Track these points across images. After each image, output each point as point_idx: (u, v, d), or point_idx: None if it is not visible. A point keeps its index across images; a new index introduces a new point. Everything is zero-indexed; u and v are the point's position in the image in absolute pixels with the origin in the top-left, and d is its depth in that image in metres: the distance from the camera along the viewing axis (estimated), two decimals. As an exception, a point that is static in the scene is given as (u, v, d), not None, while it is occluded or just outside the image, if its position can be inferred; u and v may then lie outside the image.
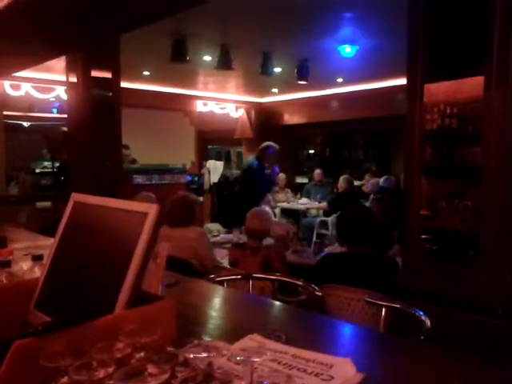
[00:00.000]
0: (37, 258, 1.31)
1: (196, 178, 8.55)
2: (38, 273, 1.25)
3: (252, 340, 1.09)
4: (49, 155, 7.71)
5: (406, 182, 3.06)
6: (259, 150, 5.85)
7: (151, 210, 0.95)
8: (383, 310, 1.69)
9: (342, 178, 6.97)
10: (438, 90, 2.84)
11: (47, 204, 6.19)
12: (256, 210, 3.39)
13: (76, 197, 1.15)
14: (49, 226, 4.48)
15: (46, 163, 7.74)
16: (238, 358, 0.79)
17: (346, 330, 1.36)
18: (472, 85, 2.68)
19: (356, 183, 7.56)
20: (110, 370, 0.73)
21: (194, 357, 0.79)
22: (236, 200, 6.13)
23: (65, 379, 0.73)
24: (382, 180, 6.61)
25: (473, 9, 2.60)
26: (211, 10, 4.17)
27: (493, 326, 2.44)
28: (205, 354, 0.80)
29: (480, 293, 2.54)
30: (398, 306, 1.70)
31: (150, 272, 1.06)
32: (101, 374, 0.72)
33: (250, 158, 6.17)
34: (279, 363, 0.97)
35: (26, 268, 1.37)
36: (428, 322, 1.54)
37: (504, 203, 2.54)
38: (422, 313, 1.59)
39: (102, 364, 0.73)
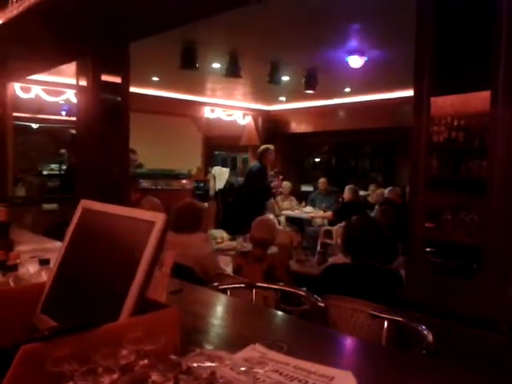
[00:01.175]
0: (44, 262, 1.33)
1: (201, 184, 8.58)
2: (44, 277, 1.26)
3: (254, 350, 1.09)
4: (66, 155, 7.72)
5: (412, 193, 3.06)
6: (259, 153, 6.05)
7: (159, 218, 0.97)
8: (386, 322, 1.70)
9: (347, 188, 6.96)
10: (444, 104, 2.85)
11: (53, 206, 6.23)
12: (261, 218, 3.41)
13: (85, 203, 1.17)
14: (54, 228, 4.52)
15: (53, 165, 7.78)
16: (242, 369, 0.80)
17: (348, 343, 1.37)
18: (479, 98, 2.68)
19: (361, 193, 7.55)
20: (115, 376, 0.74)
21: (198, 365, 0.80)
22: (240, 206, 6.19)
23: (70, 384, 0.75)
24: (386, 191, 6.60)
25: (480, 24, 2.61)
26: (221, 19, 4.20)
27: (497, 342, 2.43)
28: (208, 363, 0.81)
29: (484, 307, 2.53)
30: (400, 319, 1.70)
31: (155, 279, 1.07)
32: (106, 380, 0.73)
33: (252, 163, 6.35)
34: (281, 374, 0.98)
35: (32, 271, 1.39)
36: (430, 336, 1.53)
37: (509, 217, 2.53)
38: (424, 326, 1.59)
39: (107, 370, 0.75)
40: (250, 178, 6.05)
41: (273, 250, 3.29)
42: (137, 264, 0.94)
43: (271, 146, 6.27)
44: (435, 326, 1.61)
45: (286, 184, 8.45)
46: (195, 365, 0.80)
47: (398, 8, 3.77)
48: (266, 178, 6.00)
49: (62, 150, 7.80)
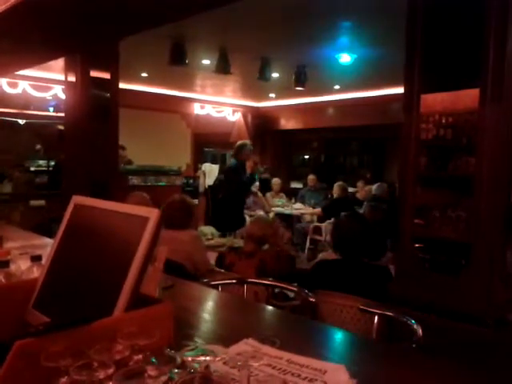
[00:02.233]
0: (35, 259, 1.32)
1: (191, 181, 8.56)
2: (36, 273, 1.26)
3: (247, 344, 1.10)
4: (42, 151, 7.67)
5: (401, 190, 3.09)
6: (236, 149, 5.97)
7: (152, 214, 0.97)
8: (375, 317, 1.72)
9: (336, 185, 6.99)
10: (434, 101, 2.88)
11: (41, 202, 6.17)
12: (259, 216, 3.42)
13: (77, 199, 1.17)
14: (42, 225, 4.48)
15: (40, 162, 7.70)
16: (239, 363, 0.81)
17: (340, 337, 1.38)
18: (468, 96, 2.72)
19: (350, 190, 7.60)
20: (110, 371, 0.74)
21: (192, 359, 0.81)
22: (224, 204, 6.12)
23: (65, 379, 0.75)
24: (374, 187, 6.62)
25: (469, 23, 2.64)
26: (211, 16, 4.19)
27: (484, 335, 2.47)
28: (202, 358, 0.81)
29: (471, 302, 2.57)
30: (390, 313, 1.72)
31: (148, 275, 1.07)
32: (101, 374, 0.73)
33: (232, 160, 6.25)
34: (274, 368, 0.99)
35: (23, 268, 1.38)
36: (420, 331, 1.56)
37: (496, 214, 2.57)
38: (413, 321, 1.61)
39: (102, 365, 0.75)
40: (230, 174, 5.99)
41: (265, 246, 3.30)
42: (131, 259, 0.94)
43: (248, 142, 6.23)
44: (424, 321, 1.64)
45: (276, 181, 8.46)
46: (190, 359, 0.81)
47: (388, 6, 3.80)
48: (244, 173, 6.00)
49: (38, 146, 7.74)
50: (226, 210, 5.95)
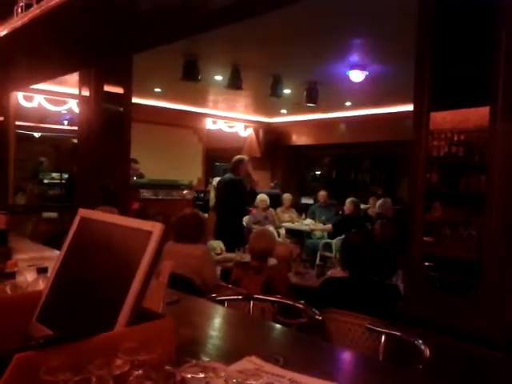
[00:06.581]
0: (42, 271, 1.33)
1: (202, 195, 8.59)
2: (41, 285, 1.26)
3: (250, 362, 1.09)
4: (47, 163, 7.77)
5: (410, 208, 3.06)
6: (235, 163, 5.92)
7: (156, 228, 0.97)
8: (383, 336, 1.69)
9: (348, 201, 6.92)
10: (444, 119, 2.87)
11: (53, 215, 6.24)
12: (261, 230, 3.41)
13: (83, 212, 1.18)
14: (54, 237, 4.51)
15: (54, 174, 7.81)
16: (235, 380, 0.80)
17: (345, 357, 1.36)
18: (479, 114, 2.70)
19: (362, 206, 7.54)
20: (108, 386, 0.74)
21: (192, 377, 0.80)
22: (226, 218, 6.08)
23: (63, 394, 0.74)
24: (377, 205, 6.48)
25: (480, 41, 2.64)
26: (224, 32, 4.24)
27: (494, 358, 2.41)
28: (202, 375, 0.81)
29: (482, 323, 2.52)
30: (397, 333, 1.69)
31: (151, 289, 1.07)
32: (99, 390, 0.73)
33: (227, 174, 6.18)
34: (275, 387, 0.97)
35: (30, 280, 1.39)
36: (427, 351, 1.53)
37: (507, 233, 2.53)
38: (421, 341, 1.58)
39: (100, 380, 0.74)
40: (238, 188, 5.97)
41: (272, 261, 3.28)
42: (133, 274, 0.94)
43: (246, 157, 6.21)
44: (432, 341, 1.61)
45: (287, 196, 8.45)
46: (189, 376, 0.80)
47: (399, 24, 3.81)
48: (245, 188, 6.01)
49: (42, 158, 7.84)
50: (227, 225, 5.93)
